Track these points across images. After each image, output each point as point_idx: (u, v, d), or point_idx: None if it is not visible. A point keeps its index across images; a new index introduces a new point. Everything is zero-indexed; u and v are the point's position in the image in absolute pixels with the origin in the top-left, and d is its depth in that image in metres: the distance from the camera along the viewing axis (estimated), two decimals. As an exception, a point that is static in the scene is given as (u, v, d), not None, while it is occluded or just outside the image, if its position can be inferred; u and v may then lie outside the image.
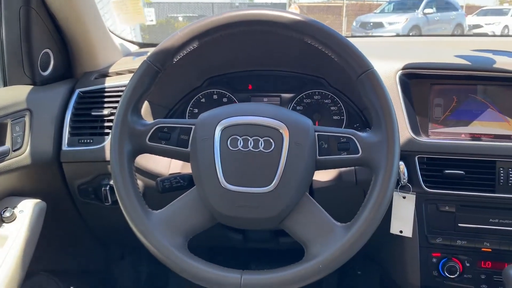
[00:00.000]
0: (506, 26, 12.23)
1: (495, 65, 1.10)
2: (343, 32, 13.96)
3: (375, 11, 13.37)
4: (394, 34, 11.16)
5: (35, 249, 1.07)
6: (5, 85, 1.16)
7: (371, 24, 11.71)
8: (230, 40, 1.10)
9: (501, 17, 12.41)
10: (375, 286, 1.63)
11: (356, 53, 0.81)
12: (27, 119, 1.09)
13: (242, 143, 0.81)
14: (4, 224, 1.02)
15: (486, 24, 12.38)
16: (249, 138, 0.81)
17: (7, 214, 1.02)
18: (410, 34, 11.17)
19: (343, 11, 14.34)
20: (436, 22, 11.79)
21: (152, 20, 1.54)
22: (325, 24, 0.83)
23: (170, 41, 0.83)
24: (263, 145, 0.81)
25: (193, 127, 0.85)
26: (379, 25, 11.56)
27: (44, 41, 1.19)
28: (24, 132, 1.08)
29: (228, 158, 0.81)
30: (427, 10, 11.66)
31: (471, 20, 12.81)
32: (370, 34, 11.50)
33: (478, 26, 12.50)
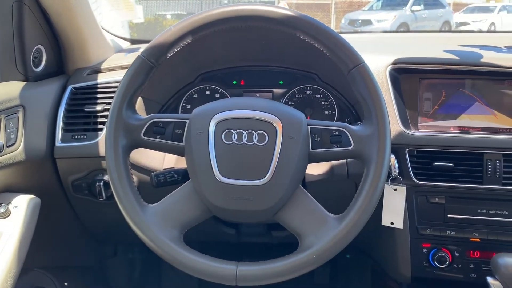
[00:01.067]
0: (492, 23, 12.37)
1: (482, 60, 1.13)
2: (332, 29, 13.97)
3: (363, 8, 13.43)
4: (383, 31, 11.26)
5: (29, 246, 1.07)
6: (-3, 81, 1.15)
7: (360, 21, 11.76)
8: (222, 36, 1.11)
9: (488, 14, 12.54)
10: (367, 278, 1.65)
11: (347, 48, 0.83)
12: (20, 115, 1.09)
13: (236, 137, 0.82)
14: (-2, 219, 1.02)
15: (473, 21, 12.50)
16: (243, 131, 0.82)
17: (1, 210, 1.02)
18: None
19: (332, 9, 14.38)
20: (424, 20, 11.88)
21: (140, 18, 1.53)
22: (316, 19, 0.85)
23: (164, 36, 0.84)
24: (257, 138, 0.82)
25: (187, 121, 0.86)
26: (368, 22, 11.61)
27: (36, 37, 1.19)
28: (17, 128, 1.07)
29: (223, 151, 0.82)
30: (415, 8, 11.74)
31: (458, 17, 12.93)
32: (359, 31, 11.57)
33: (465, 23, 12.62)
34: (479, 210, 1.10)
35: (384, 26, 11.35)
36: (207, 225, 0.89)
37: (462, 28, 12.59)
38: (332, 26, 14.07)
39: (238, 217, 0.87)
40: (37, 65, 1.21)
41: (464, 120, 1.13)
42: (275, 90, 1.31)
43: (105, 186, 1.18)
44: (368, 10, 12.74)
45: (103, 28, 1.44)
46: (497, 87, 1.13)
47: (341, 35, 0.84)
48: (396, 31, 10.98)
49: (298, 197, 0.85)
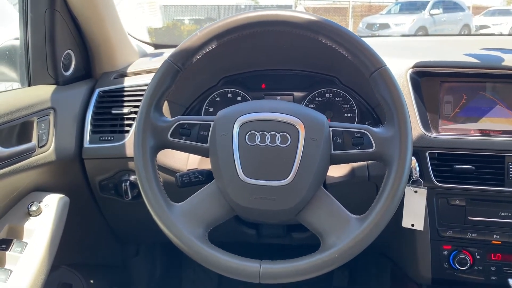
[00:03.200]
0: (514, 26, 12.17)
1: (503, 63, 1.13)
2: (350, 34, 13.92)
3: (381, 12, 13.34)
4: (401, 35, 11.16)
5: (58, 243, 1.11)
6: (29, 84, 1.20)
7: (378, 25, 11.69)
8: (245, 41, 1.13)
9: (509, 17, 12.33)
10: (386, 280, 1.65)
11: (369, 51, 0.84)
12: (51, 117, 1.13)
13: (259, 138, 0.84)
14: (31, 217, 1.06)
15: (493, 24, 12.31)
16: (266, 133, 0.84)
17: (33, 208, 1.06)
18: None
19: (349, 12, 14.33)
20: (443, 23, 11.74)
21: (159, 23, 1.58)
22: (338, 23, 0.87)
23: (190, 41, 0.87)
24: (280, 140, 0.84)
25: (212, 123, 0.89)
26: (386, 26, 11.53)
27: (66, 42, 1.24)
28: (49, 129, 1.12)
29: (246, 152, 0.84)
30: (434, 11, 11.61)
31: (478, 20, 12.74)
32: (377, 35, 11.49)
33: (485, 26, 12.43)
34: (500, 213, 1.10)
35: (402, 30, 11.25)
36: (228, 225, 0.91)
37: (482, 31, 12.41)
38: (350, 30, 14.01)
39: (261, 216, 0.89)
40: (66, 69, 1.26)
41: (485, 123, 1.14)
42: (295, 93, 1.33)
43: (131, 186, 1.21)
44: (386, 14, 12.65)
45: (128, 34, 1.49)
46: (518, 90, 1.13)
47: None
48: (415, 35, 10.89)
49: (320, 197, 0.86)
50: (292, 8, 14.17)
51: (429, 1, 11.70)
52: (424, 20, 11.49)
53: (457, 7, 12.10)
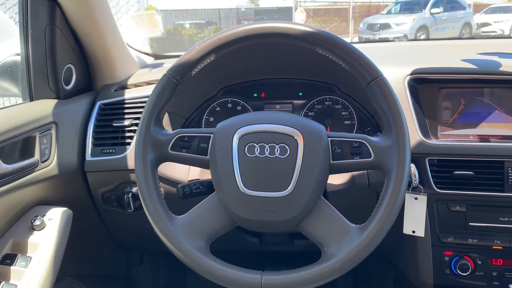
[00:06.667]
0: (515, 23, 12.15)
1: (501, 68, 1.13)
2: (350, 34, 13.95)
3: (381, 12, 13.35)
4: (402, 35, 11.15)
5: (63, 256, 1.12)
6: (31, 99, 1.22)
7: (378, 25, 11.70)
8: (244, 51, 1.14)
9: (510, 14, 12.31)
10: (390, 286, 1.65)
11: (365, 61, 0.85)
12: (53, 131, 1.14)
13: (259, 150, 0.85)
14: (34, 231, 1.07)
15: (494, 22, 12.30)
16: (266, 145, 0.85)
17: (37, 222, 1.07)
18: (418, 34, 11.14)
19: (350, 13, 14.34)
20: (444, 22, 11.75)
21: (161, 32, 1.59)
22: (335, 34, 0.87)
23: (189, 55, 0.88)
24: (279, 151, 0.84)
25: (212, 135, 0.90)
26: (386, 26, 11.55)
27: (67, 56, 1.25)
28: (51, 144, 1.13)
29: (246, 164, 0.85)
30: (434, 10, 11.62)
31: (479, 18, 12.74)
32: (378, 35, 11.50)
33: (486, 24, 12.42)
34: (500, 218, 1.11)
35: (403, 30, 11.27)
36: (231, 234, 0.92)
37: (483, 29, 12.40)
38: (350, 30, 14.02)
39: (261, 227, 0.90)
40: (67, 83, 1.27)
41: (484, 129, 1.14)
42: (295, 102, 1.34)
43: (133, 198, 1.23)
44: (386, 14, 12.67)
45: (128, 45, 1.50)
46: (516, 95, 1.14)
47: (358, 46, 0.86)
48: (416, 36, 10.88)
49: (320, 207, 0.87)
50: (292, 10, 14.19)
51: (429, 0, 11.71)
52: (424, 19, 11.50)
53: (458, 6, 12.11)
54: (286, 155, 0.84)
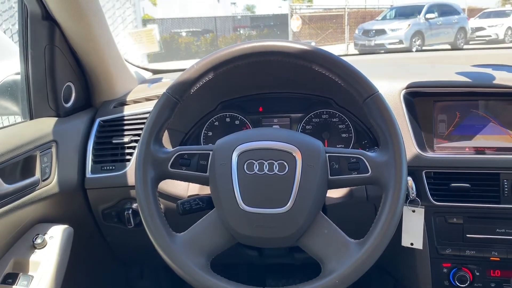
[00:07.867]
0: (509, 27, 12.25)
1: (495, 81, 1.15)
2: (346, 40, 14.02)
3: (376, 18, 13.43)
4: (397, 40, 11.21)
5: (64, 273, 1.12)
6: (31, 118, 1.23)
7: (374, 31, 11.77)
8: (242, 68, 1.16)
9: (504, 18, 12.42)
10: None
11: (361, 78, 0.87)
12: (53, 150, 1.15)
13: (257, 167, 0.86)
14: (36, 250, 1.08)
15: (489, 26, 12.40)
16: (264, 162, 0.86)
17: (38, 240, 1.07)
18: (413, 40, 11.21)
19: (345, 20, 14.42)
20: (439, 27, 11.83)
21: (161, 48, 1.59)
22: (331, 52, 0.89)
23: (187, 74, 0.89)
24: (277, 168, 0.86)
25: (211, 152, 0.91)
26: (382, 32, 11.61)
27: (66, 75, 1.27)
28: (51, 162, 1.14)
29: (245, 181, 0.86)
30: (429, 15, 11.70)
31: (473, 23, 12.83)
32: (373, 41, 11.56)
33: (481, 28, 12.52)
34: (497, 230, 1.12)
35: (398, 35, 11.34)
36: (230, 248, 0.92)
37: (478, 33, 12.49)
38: (346, 36, 14.09)
39: (261, 243, 0.91)
40: (67, 101, 1.28)
41: (479, 141, 1.16)
42: (292, 115, 1.35)
43: (134, 214, 1.23)
44: (381, 19, 12.74)
45: (126, 60, 1.51)
46: (511, 107, 1.15)
47: (354, 59, 0.87)
48: (411, 41, 10.91)
49: (319, 223, 0.88)
50: (288, 17, 14.25)
51: (424, 6, 11.79)
52: (419, 25, 11.58)
53: (452, 11, 12.19)
54: (285, 171, 0.85)
